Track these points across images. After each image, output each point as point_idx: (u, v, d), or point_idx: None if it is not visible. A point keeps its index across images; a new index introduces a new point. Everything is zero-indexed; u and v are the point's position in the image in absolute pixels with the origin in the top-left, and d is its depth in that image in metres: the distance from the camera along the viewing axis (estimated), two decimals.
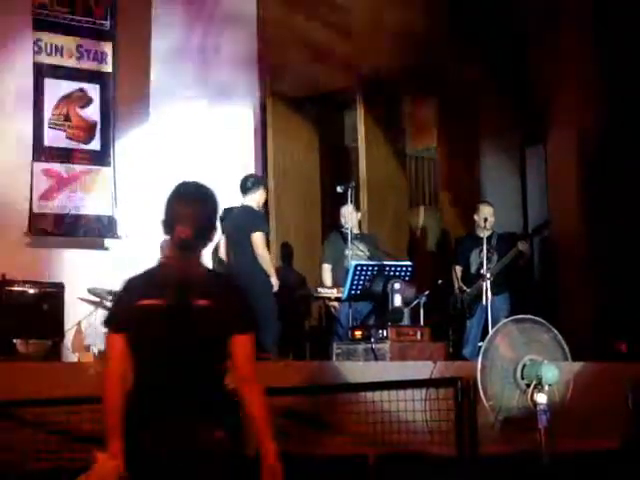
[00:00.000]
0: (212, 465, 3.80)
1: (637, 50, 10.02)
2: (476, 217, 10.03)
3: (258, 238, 9.29)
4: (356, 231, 9.90)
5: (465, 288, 9.98)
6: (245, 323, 3.94)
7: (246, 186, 9.62)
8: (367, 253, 9.74)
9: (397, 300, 8.74)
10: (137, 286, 3.93)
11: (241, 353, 3.88)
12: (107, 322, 3.98)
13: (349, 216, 9.93)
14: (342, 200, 9.87)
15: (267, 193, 10.05)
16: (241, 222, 9.49)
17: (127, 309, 3.88)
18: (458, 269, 10.17)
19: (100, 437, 3.95)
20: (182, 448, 3.78)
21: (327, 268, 9.98)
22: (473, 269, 9.99)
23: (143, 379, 3.86)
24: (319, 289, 9.67)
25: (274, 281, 9.39)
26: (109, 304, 10.21)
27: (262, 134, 12.55)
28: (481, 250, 9.72)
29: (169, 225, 3.93)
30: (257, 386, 3.91)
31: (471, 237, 10.15)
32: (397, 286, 8.75)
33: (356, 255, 9.72)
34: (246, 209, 9.54)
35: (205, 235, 3.98)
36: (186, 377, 3.84)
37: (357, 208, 10.00)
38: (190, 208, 3.93)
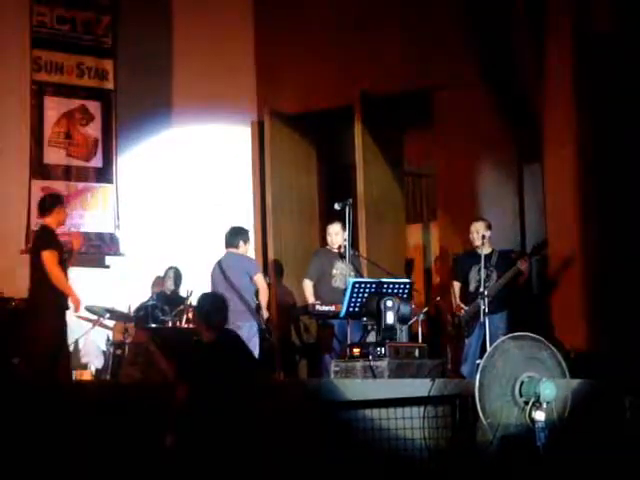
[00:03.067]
0: None
1: (629, 65, 10.05)
2: (470, 236, 10.03)
3: (45, 257, 8.76)
4: (343, 250, 9.83)
5: (463, 306, 9.95)
6: None
7: (44, 206, 9.03)
8: (352, 273, 9.72)
9: (390, 318, 8.72)
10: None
11: None
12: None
13: (335, 235, 9.94)
14: (340, 217, 9.87)
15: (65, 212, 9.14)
16: (35, 242, 9.06)
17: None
18: (457, 286, 10.11)
19: None
20: None
21: (308, 284, 9.98)
22: (472, 287, 9.94)
23: None
24: (317, 306, 9.64)
25: (73, 300, 8.89)
26: (107, 322, 10.22)
27: (259, 151, 12.58)
28: (480, 268, 9.70)
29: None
30: None
31: (471, 254, 10.09)
32: (389, 304, 8.73)
33: (341, 275, 9.75)
34: (42, 229, 9.03)
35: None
36: None
37: (345, 227, 9.72)
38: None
